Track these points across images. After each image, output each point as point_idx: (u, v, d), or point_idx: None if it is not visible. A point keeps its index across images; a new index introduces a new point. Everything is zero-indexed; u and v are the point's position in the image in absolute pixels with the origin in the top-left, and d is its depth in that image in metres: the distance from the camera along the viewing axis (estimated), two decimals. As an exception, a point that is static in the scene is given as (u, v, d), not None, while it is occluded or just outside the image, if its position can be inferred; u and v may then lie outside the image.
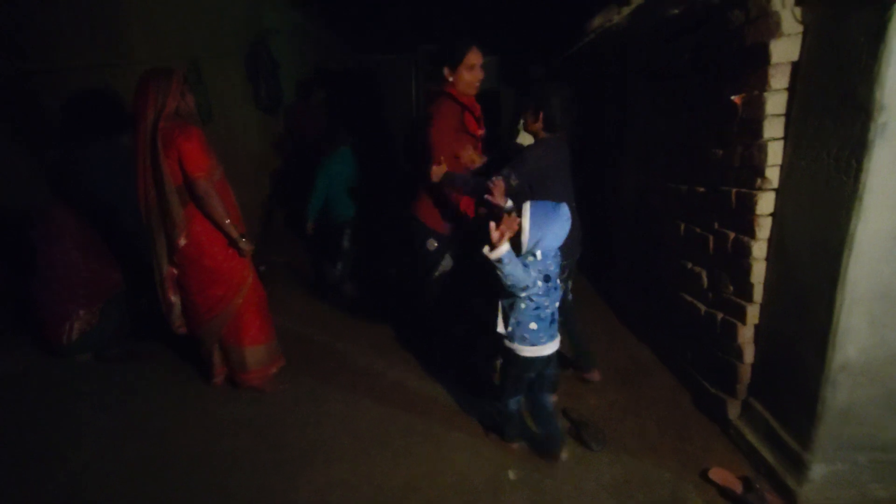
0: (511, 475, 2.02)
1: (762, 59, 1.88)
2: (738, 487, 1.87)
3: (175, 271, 2.39)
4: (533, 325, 1.89)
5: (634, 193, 3.25)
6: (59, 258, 2.71)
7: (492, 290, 1.95)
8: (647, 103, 3.03)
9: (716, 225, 2.28)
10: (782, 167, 1.92)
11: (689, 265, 2.51)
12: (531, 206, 1.83)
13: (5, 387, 2.60)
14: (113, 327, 2.86)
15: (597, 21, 3.86)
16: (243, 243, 2.38)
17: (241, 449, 2.18)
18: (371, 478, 2.02)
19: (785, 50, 1.83)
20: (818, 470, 1.80)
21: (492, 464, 2.09)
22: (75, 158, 3.11)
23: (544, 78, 5.56)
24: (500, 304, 1.94)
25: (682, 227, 2.57)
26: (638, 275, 3.22)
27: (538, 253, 1.85)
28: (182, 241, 2.29)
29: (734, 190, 2.12)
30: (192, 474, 2.04)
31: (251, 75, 4.53)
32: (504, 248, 1.76)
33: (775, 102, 1.89)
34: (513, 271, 1.78)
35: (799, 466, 1.83)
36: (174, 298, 2.44)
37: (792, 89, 1.86)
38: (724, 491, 1.89)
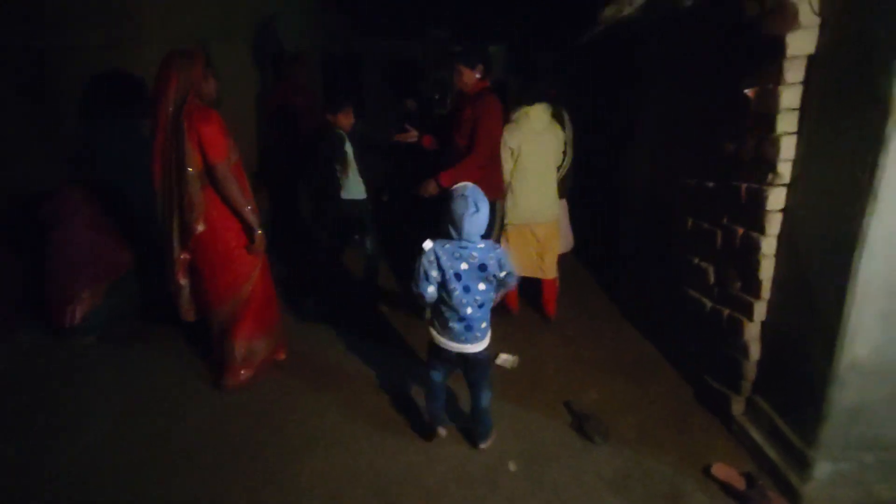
0: (511, 466, 2.02)
1: (777, 52, 1.84)
2: (740, 484, 1.86)
3: (188, 256, 2.34)
4: (441, 318, 1.91)
5: (642, 188, 3.22)
6: (68, 238, 2.71)
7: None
8: (658, 96, 2.99)
9: (724, 220, 2.26)
10: (795, 162, 1.89)
11: (696, 260, 2.49)
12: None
13: (12, 367, 2.61)
14: (118, 308, 2.86)
15: (608, 11, 3.80)
16: (258, 236, 2.35)
17: (245, 434, 2.19)
18: (372, 464, 2.03)
19: (801, 43, 1.79)
20: (823, 468, 1.79)
21: (491, 455, 2.08)
22: (88, 137, 3.10)
23: (552, 69, 5.50)
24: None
25: (690, 222, 2.54)
26: (644, 269, 3.19)
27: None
28: (200, 227, 2.25)
29: (744, 185, 2.09)
30: (197, 456, 2.05)
31: (259, 59, 4.50)
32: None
33: (790, 96, 1.85)
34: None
35: (803, 464, 1.82)
36: (183, 282, 2.40)
37: (807, 83, 1.83)
38: (726, 487, 1.88)
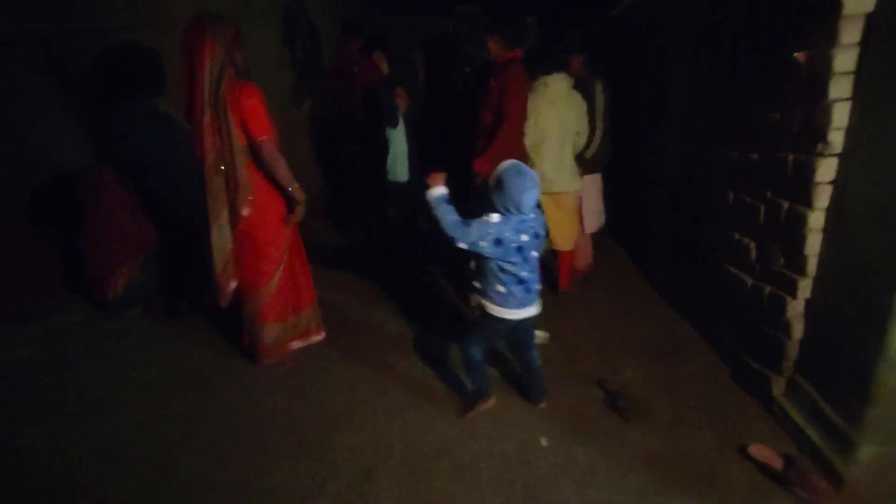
0: (543, 442, 2.03)
1: (832, 11, 1.72)
2: (778, 464, 1.81)
3: (233, 247, 2.25)
4: (500, 288, 1.92)
5: (677, 161, 3.10)
6: (102, 215, 2.81)
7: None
8: (693, 65, 2.85)
9: (768, 194, 2.15)
10: (847, 131, 1.77)
11: (737, 236, 2.40)
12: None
13: (61, 340, 2.75)
14: (155, 282, 2.98)
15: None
16: (300, 208, 2.27)
17: (278, 408, 2.26)
18: (404, 438, 2.06)
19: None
20: (867, 451, 1.72)
21: (524, 430, 2.09)
22: (115, 118, 3.18)
23: (581, 41, 5.30)
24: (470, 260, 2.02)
25: (731, 195, 2.44)
26: (678, 246, 3.10)
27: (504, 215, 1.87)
28: (247, 210, 2.17)
29: (791, 156, 1.99)
30: (233, 429, 2.13)
31: (287, 38, 4.50)
32: (436, 192, 1.90)
33: (844, 59, 1.73)
34: (441, 216, 1.87)
35: (847, 447, 1.76)
36: (234, 283, 2.31)
37: (864, 44, 1.70)
38: (763, 468, 1.84)
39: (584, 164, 3.18)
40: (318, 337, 2.64)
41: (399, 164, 3.45)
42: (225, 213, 2.21)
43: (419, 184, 3.36)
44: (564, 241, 3.12)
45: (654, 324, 2.92)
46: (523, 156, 2.78)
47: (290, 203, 2.30)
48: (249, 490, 1.84)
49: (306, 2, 4.68)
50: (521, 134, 2.79)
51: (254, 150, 2.13)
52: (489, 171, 2.10)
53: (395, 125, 3.30)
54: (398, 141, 3.41)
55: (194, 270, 2.64)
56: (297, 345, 2.57)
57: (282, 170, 2.17)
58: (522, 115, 2.74)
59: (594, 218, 3.37)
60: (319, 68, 4.78)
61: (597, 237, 3.61)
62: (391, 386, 2.39)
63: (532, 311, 2.00)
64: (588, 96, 3.07)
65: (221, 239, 2.24)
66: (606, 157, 3.30)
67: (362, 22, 4.15)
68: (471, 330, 2.16)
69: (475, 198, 2.59)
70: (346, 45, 4.04)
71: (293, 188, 2.22)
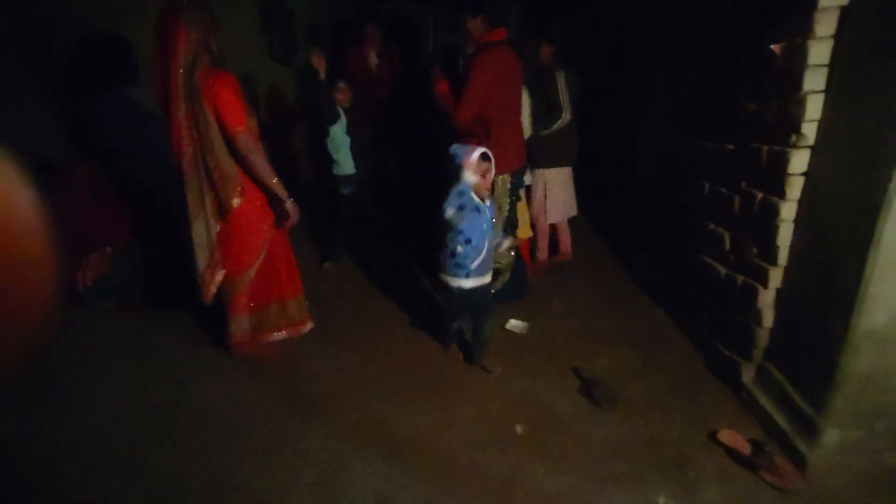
0: (518, 430, 2.04)
1: (808, 3, 1.73)
2: (746, 449, 1.86)
3: (220, 237, 2.19)
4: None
5: (657, 153, 3.12)
6: (72, 206, 2.73)
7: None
8: (677, 54, 2.85)
9: (743, 185, 2.18)
10: (820, 123, 1.80)
11: (712, 226, 2.43)
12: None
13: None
14: (129, 275, 2.91)
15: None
16: (290, 204, 2.19)
17: (255, 399, 2.23)
18: (381, 428, 2.06)
19: (835, -8, 1.67)
20: (832, 436, 1.77)
21: (499, 418, 2.11)
22: (88, 109, 3.07)
23: (567, 31, 5.29)
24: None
25: (707, 186, 2.47)
26: (657, 235, 3.13)
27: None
28: (237, 201, 2.09)
29: (766, 147, 2.01)
30: (209, 421, 2.10)
31: (265, 24, 4.38)
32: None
33: (819, 51, 1.75)
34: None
35: (812, 432, 1.81)
36: (219, 278, 2.24)
37: (838, 37, 1.72)
38: (732, 453, 1.88)
39: (553, 158, 3.21)
40: (305, 328, 2.58)
41: (343, 157, 3.38)
42: (208, 209, 2.13)
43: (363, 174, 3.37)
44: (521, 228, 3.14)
45: (632, 313, 2.95)
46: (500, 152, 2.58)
47: (272, 196, 2.21)
48: (226, 481, 1.82)
49: None
50: (469, 124, 2.60)
51: (228, 142, 2.04)
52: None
53: (332, 122, 3.20)
54: (339, 135, 3.33)
55: (173, 264, 2.58)
56: (278, 336, 2.52)
57: (259, 161, 2.07)
58: (476, 103, 2.52)
59: (559, 209, 3.39)
60: (295, 55, 4.68)
61: (576, 227, 3.64)
62: (369, 376, 2.39)
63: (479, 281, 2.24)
64: (551, 84, 3.12)
65: (204, 235, 2.17)
66: (574, 151, 3.33)
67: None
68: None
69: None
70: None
71: (272, 183, 2.13)
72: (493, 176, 2.25)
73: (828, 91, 1.76)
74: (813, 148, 1.83)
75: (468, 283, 2.22)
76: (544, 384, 2.31)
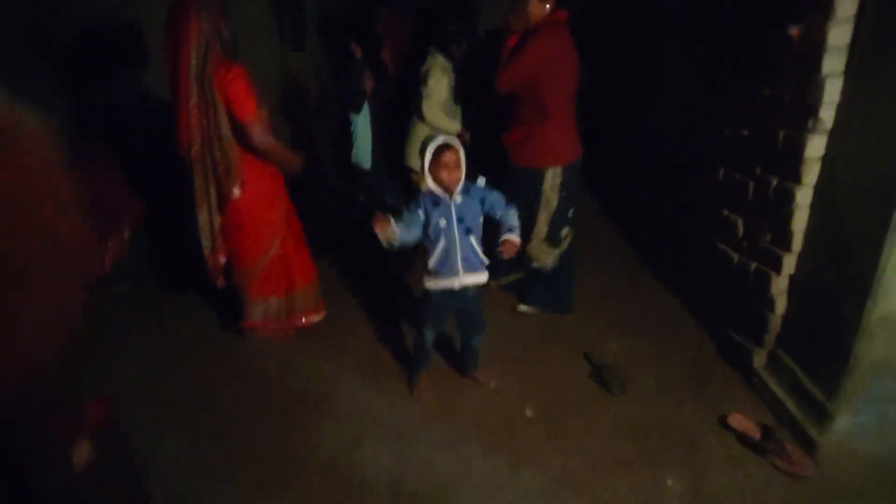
0: (528, 413, 2.07)
1: (829, -17, 1.69)
2: (756, 434, 1.87)
3: (223, 226, 2.23)
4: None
5: (665, 138, 3.09)
6: (87, 189, 2.77)
7: None
8: (685, 37, 2.81)
9: (758, 170, 2.15)
10: (839, 106, 1.77)
11: (725, 212, 2.40)
12: None
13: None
14: (142, 258, 2.96)
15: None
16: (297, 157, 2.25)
17: (268, 381, 2.29)
18: (391, 409, 2.10)
19: (856, -29, 1.64)
20: (843, 421, 1.77)
21: (508, 402, 2.13)
22: (100, 94, 3.10)
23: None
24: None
25: (721, 172, 2.44)
26: (667, 222, 3.11)
27: None
28: (236, 192, 2.12)
29: (782, 132, 1.98)
30: (222, 404, 2.15)
31: (276, 8, 4.36)
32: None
33: (839, 33, 1.71)
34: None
35: (823, 417, 1.81)
36: (222, 259, 2.30)
37: (859, 17, 1.68)
38: (742, 437, 1.89)
39: None
40: (318, 317, 2.58)
41: (362, 151, 3.33)
42: (212, 200, 2.17)
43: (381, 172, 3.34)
44: None
45: (644, 299, 2.94)
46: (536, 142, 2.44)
47: (287, 176, 2.28)
48: (239, 461, 1.87)
49: None
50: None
51: (238, 133, 2.05)
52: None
53: (357, 110, 3.15)
54: (362, 126, 3.29)
55: (182, 247, 2.62)
56: (292, 323, 2.53)
57: (273, 149, 2.10)
58: (516, 81, 2.30)
59: None
60: (305, 41, 4.64)
61: (581, 220, 3.60)
62: (378, 360, 2.42)
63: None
64: None
65: (207, 223, 2.21)
66: None
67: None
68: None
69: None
70: None
71: (293, 162, 2.21)
72: (461, 161, 1.85)
73: (847, 73, 1.73)
74: (830, 132, 1.81)
75: (430, 284, 1.97)
76: (555, 368, 2.33)
